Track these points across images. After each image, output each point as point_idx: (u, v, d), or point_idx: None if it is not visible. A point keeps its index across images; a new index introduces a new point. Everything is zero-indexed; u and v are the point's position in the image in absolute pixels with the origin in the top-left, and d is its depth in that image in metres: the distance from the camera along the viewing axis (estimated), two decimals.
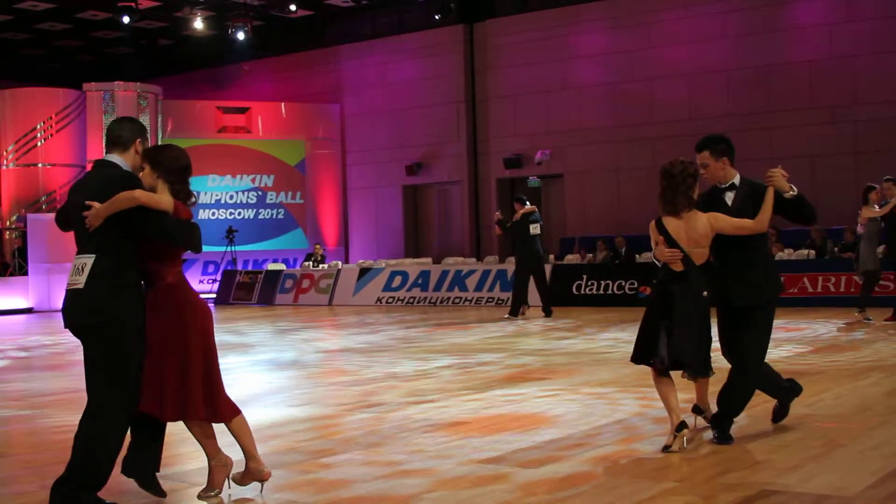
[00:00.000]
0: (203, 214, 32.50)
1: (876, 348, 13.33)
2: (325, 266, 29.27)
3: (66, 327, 6.21)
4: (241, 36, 30.82)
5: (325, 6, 32.14)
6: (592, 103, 29.14)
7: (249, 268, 31.37)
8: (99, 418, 6.09)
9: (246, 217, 33.06)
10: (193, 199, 6.45)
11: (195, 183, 30.97)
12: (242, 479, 6.53)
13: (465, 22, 31.40)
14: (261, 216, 33.38)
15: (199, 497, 6.45)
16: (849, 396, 8.99)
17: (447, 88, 31.68)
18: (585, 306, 23.09)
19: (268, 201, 33.47)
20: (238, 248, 31.02)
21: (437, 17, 30.50)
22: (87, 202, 6.03)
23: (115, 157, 6.30)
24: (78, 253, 6.19)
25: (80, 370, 6.27)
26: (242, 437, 6.46)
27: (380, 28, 33.29)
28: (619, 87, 28.76)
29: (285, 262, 31.96)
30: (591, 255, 26.48)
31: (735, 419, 7.70)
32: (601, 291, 23.71)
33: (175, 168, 6.33)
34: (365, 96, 33.55)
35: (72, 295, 6.14)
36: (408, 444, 7.83)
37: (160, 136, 31.34)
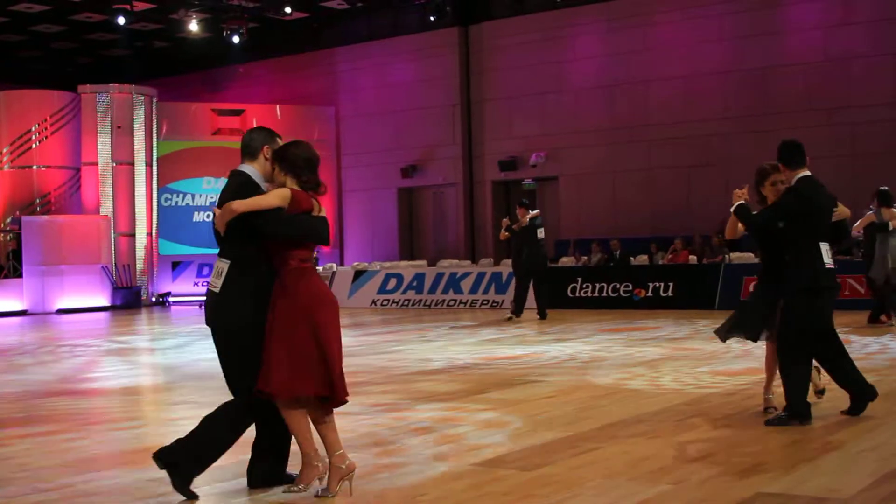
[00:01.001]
0: (198, 217, 32.49)
1: (868, 351, 13.34)
2: (320, 268, 29.25)
3: (206, 323, 6.62)
4: (236, 38, 30.80)
5: (321, 8, 32.12)
6: (588, 105, 29.15)
7: None
8: (230, 404, 6.58)
9: None
10: (323, 189, 6.66)
11: (189, 185, 31.13)
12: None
13: (460, 24, 31.40)
14: None
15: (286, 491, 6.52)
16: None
17: (442, 91, 31.68)
18: (580, 309, 23.12)
19: None
20: None
21: (432, 19, 30.50)
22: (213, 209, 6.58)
23: (245, 166, 6.69)
24: (219, 256, 6.63)
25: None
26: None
27: (375, 30, 33.28)
28: (614, 89, 28.77)
29: None
30: (585, 257, 26.50)
31: (730, 422, 7.69)
32: (596, 294, 23.74)
33: (298, 162, 6.57)
34: (360, 98, 33.55)
35: (210, 296, 6.61)
36: (402, 446, 7.83)
37: (155, 139, 31.32)
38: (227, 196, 6.47)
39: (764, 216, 8.71)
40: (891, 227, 16.47)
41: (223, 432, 6.56)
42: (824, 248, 8.52)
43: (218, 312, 6.55)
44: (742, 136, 26.12)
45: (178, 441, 6.49)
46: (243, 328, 6.46)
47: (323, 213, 6.62)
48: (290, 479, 6.60)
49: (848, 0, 25.55)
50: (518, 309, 20.82)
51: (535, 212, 20.71)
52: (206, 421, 6.58)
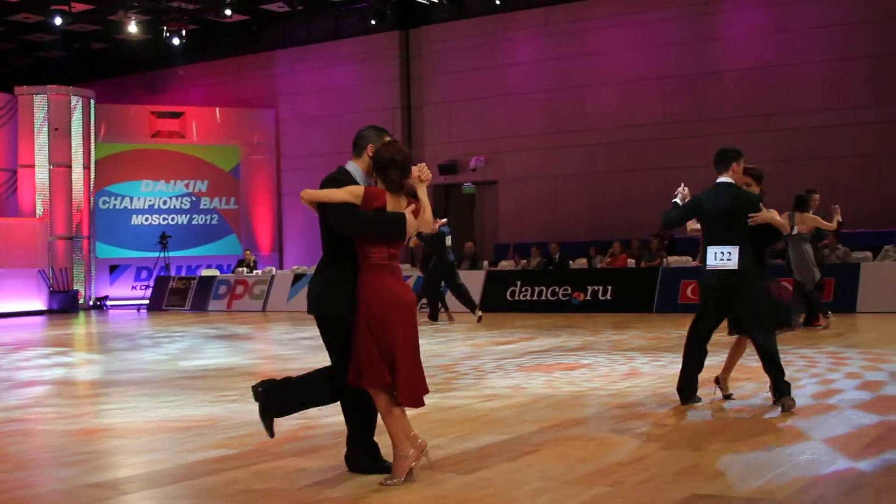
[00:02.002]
0: (136, 220, 32.30)
1: (803, 353, 13.47)
2: (259, 272, 29.16)
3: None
4: (175, 40, 30.65)
5: (261, 11, 32.03)
6: (527, 110, 29.28)
7: (183, 274, 31.20)
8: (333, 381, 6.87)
9: (180, 222, 32.86)
10: (403, 189, 6.73)
11: (128, 188, 30.86)
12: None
13: (400, 28, 31.43)
14: (195, 221, 33.18)
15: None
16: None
17: (383, 94, 31.68)
18: (519, 312, 23.19)
19: (202, 207, 33.29)
20: (171, 253, 30.83)
21: (373, 23, 30.51)
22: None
23: (349, 163, 6.94)
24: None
25: None
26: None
27: (316, 33, 33.23)
28: (554, 94, 28.92)
29: (219, 267, 31.80)
30: (525, 261, 26.59)
31: (666, 424, 7.80)
32: (535, 297, 23.83)
33: (383, 162, 6.70)
34: (300, 102, 33.48)
35: (308, 286, 7.11)
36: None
37: (93, 141, 31.07)
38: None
39: (670, 215, 9.52)
40: (796, 232, 16.53)
41: (323, 395, 6.98)
42: (714, 249, 9.15)
43: (312, 301, 6.92)
44: (679, 141, 26.36)
45: (286, 380, 6.99)
46: (331, 318, 6.80)
47: (404, 211, 6.67)
48: (386, 468, 6.76)
49: (781, 8, 25.86)
50: (433, 312, 21.08)
51: (443, 220, 20.88)
52: (316, 376, 6.98)
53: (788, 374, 9.38)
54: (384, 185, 6.70)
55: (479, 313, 20.90)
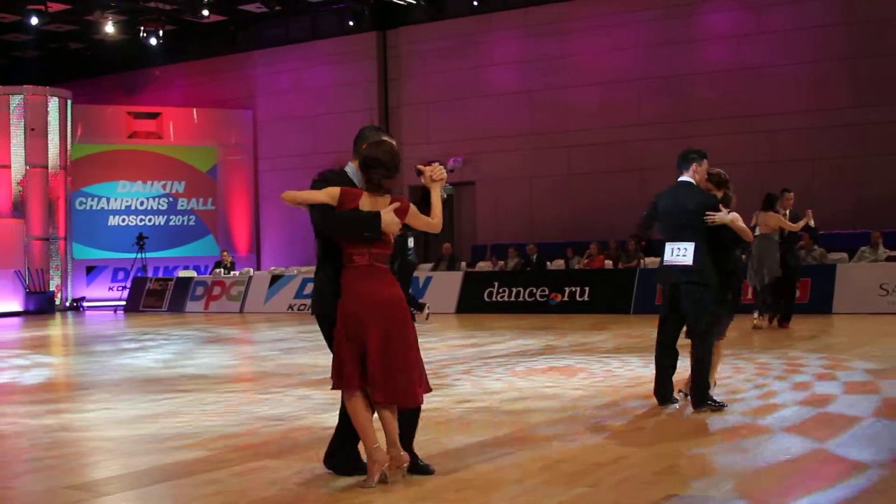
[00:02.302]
0: (113, 221, 32.20)
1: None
2: (236, 273, 29.11)
3: None
4: (152, 41, 30.57)
5: (239, 11, 31.96)
6: (505, 111, 29.30)
7: (160, 275, 31.11)
8: None
9: (157, 223, 32.77)
10: (380, 189, 6.68)
11: (105, 189, 30.74)
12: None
13: (378, 29, 31.41)
14: (172, 223, 33.10)
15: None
16: (755, 402, 9.13)
17: (361, 95, 31.66)
18: (497, 313, 23.20)
19: (179, 208, 33.21)
20: (148, 254, 30.74)
21: (350, 23, 30.49)
22: None
23: (349, 164, 6.97)
24: None
25: None
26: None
27: (293, 34, 33.19)
28: (532, 94, 28.95)
29: (196, 268, 31.73)
30: (502, 262, 26.60)
31: (645, 425, 7.81)
32: (513, 298, 23.85)
33: (364, 161, 6.72)
34: (278, 102, 33.43)
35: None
36: (318, 452, 7.83)
37: (70, 142, 30.96)
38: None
39: (643, 215, 9.68)
40: (758, 232, 16.52)
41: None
42: (671, 246, 9.30)
43: (312, 301, 7.05)
44: (657, 143, 26.40)
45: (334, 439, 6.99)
46: (323, 317, 6.85)
47: (383, 209, 6.62)
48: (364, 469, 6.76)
49: (760, 10, 25.96)
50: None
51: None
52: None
53: (736, 381, 9.39)
54: (365, 184, 6.69)
55: (428, 310, 21.00)
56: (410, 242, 20.87)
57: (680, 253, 9.15)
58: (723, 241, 9.30)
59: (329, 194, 6.62)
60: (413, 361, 6.72)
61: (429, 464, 6.94)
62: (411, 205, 6.80)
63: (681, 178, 9.38)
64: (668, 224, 9.37)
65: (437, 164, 6.90)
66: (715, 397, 9.32)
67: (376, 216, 6.58)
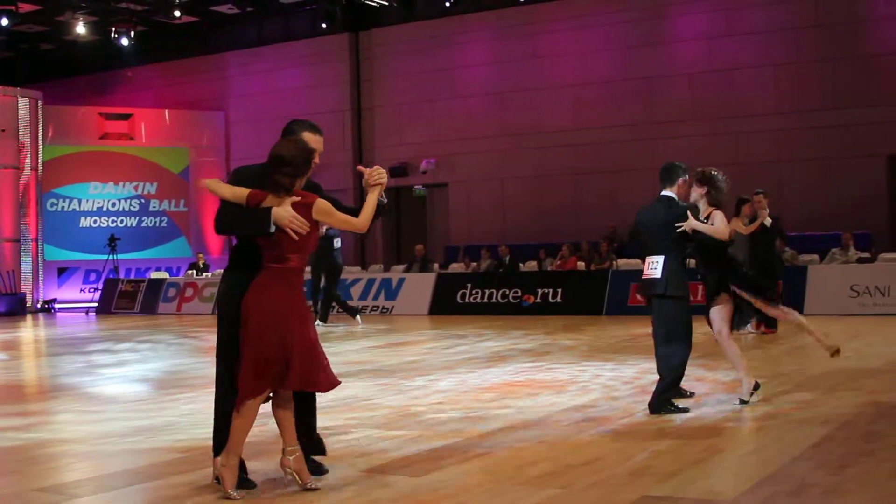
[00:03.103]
0: (84, 222, 32.07)
1: (752, 355, 13.55)
2: (208, 275, 29.03)
3: None
4: (124, 41, 30.46)
5: (210, 12, 31.88)
6: (478, 112, 29.33)
7: (132, 276, 30.98)
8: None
9: (129, 225, 32.64)
10: (280, 191, 6.42)
11: (75, 190, 30.57)
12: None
13: (351, 30, 31.39)
14: (144, 224, 32.97)
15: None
16: (727, 403, 9.18)
17: (333, 97, 31.63)
18: (469, 315, 23.19)
19: (151, 209, 33.08)
20: (120, 256, 30.56)
21: (323, 25, 30.45)
22: None
23: None
24: None
25: None
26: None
27: (266, 35, 33.13)
28: (504, 96, 28.98)
29: (168, 270, 31.63)
30: (475, 263, 26.60)
31: (617, 426, 7.83)
32: (485, 300, 23.84)
33: (269, 158, 6.49)
34: (250, 104, 33.34)
35: None
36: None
37: (41, 143, 30.80)
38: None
39: (629, 233, 9.72)
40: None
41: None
42: (648, 259, 9.37)
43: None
44: (630, 144, 26.49)
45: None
46: (223, 318, 6.65)
47: (279, 206, 6.35)
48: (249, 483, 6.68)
49: (731, 12, 26.07)
50: (324, 314, 20.93)
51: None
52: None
53: (707, 383, 9.41)
54: (268, 185, 6.45)
55: (321, 323, 20.74)
56: (337, 243, 20.77)
57: (652, 266, 9.24)
58: (705, 246, 9.36)
59: (236, 195, 6.43)
60: (319, 352, 6.54)
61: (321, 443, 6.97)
62: (321, 200, 6.49)
63: (663, 193, 9.39)
64: (646, 238, 9.53)
65: (378, 167, 6.65)
66: (728, 399, 9.56)
67: (266, 211, 6.33)
